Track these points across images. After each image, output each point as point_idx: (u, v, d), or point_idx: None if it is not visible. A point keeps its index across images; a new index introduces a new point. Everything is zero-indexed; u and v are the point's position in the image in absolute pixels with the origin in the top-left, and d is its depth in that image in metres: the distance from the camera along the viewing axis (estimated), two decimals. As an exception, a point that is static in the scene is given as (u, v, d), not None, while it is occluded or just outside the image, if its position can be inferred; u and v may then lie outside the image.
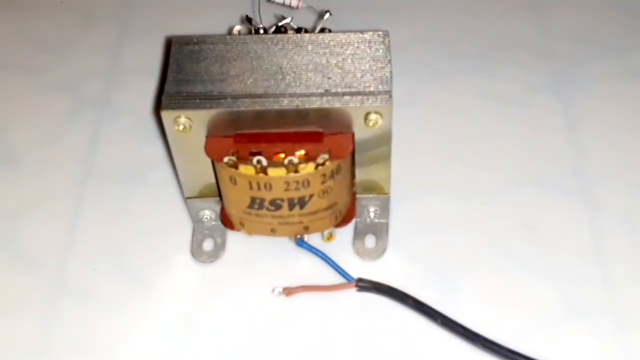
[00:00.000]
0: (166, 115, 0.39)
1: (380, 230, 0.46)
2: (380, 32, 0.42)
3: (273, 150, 0.39)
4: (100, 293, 0.44)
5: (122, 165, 0.50)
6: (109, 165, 0.50)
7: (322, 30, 0.46)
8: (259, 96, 0.40)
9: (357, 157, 0.42)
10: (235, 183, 0.41)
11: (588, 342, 0.42)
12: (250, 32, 0.47)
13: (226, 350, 0.42)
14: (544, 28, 0.57)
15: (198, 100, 0.39)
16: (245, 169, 0.40)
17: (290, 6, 0.52)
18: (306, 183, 0.40)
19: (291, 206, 0.41)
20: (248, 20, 0.48)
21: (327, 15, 0.48)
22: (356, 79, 0.40)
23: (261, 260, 0.45)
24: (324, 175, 0.40)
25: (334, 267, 0.44)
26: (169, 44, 0.42)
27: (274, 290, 0.44)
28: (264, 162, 0.39)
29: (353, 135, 0.40)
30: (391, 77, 0.40)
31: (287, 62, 0.41)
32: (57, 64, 0.56)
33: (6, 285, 0.45)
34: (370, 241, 0.45)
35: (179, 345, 0.42)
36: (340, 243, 0.45)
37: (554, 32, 0.57)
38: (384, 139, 0.41)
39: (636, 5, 0.58)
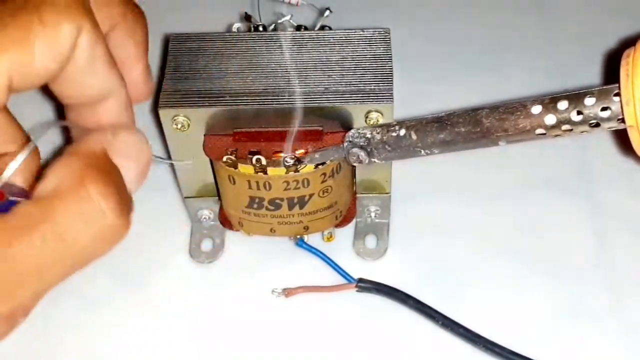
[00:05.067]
0: (164, 113, 0.39)
1: (381, 230, 0.45)
2: (382, 30, 0.42)
3: (272, 149, 0.39)
4: (98, 294, 0.44)
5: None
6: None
7: (323, 27, 0.45)
8: (258, 94, 0.39)
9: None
10: (234, 182, 0.40)
11: (591, 345, 0.41)
12: (249, 30, 0.47)
13: (226, 352, 0.42)
14: (547, 27, 0.57)
15: (196, 99, 0.39)
16: (244, 168, 0.39)
17: (290, 3, 0.52)
18: (306, 182, 0.40)
19: (291, 206, 0.41)
20: (247, 17, 0.48)
21: (327, 13, 0.48)
22: (357, 76, 0.40)
23: (260, 260, 0.45)
24: (324, 174, 0.40)
25: (334, 268, 0.43)
26: (167, 41, 0.42)
27: (273, 291, 0.43)
28: (263, 161, 0.39)
29: (354, 133, 0.40)
30: (392, 75, 0.40)
31: (287, 60, 0.41)
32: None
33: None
34: (371, 241, 0.45)
35: (178, 346, 0.42)
36: (341, 243, 0.45)
37: (558, 31, 0.56)
38: (385, 138, 0.40)
39: (638, 4, 0.58)
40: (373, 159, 0.37)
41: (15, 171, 0.30)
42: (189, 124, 0.39)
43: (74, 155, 0.30)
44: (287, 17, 0.47)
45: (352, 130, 0.37)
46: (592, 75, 0.53)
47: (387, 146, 0.36)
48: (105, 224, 0.29)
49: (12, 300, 0.28)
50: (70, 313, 0.43)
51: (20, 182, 0.33)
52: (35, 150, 0.34)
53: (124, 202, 0.30)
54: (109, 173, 0.30)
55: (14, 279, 0.27)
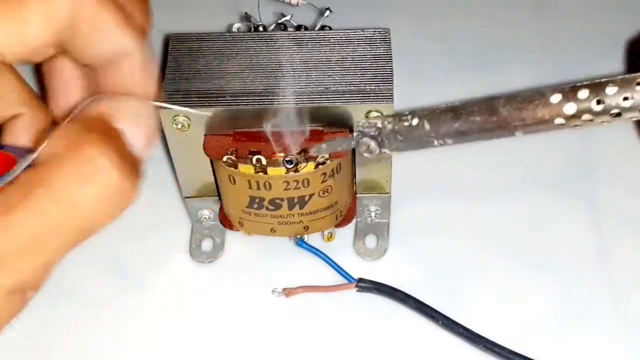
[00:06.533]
0: (164, 113, 0.39)
1: (381, 230, 0.45)
2: (382, 30, 0.42)
3: (272, 149, 0.39)
4: (97, 293, 0.44)
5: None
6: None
7: (323, 27, 0.45)
8: (259, 94, 0.39)
9: (357, 155, 0.41)
10: (234, 182, 0.40)
11: (592, 344, 0.41)
12: (249, 30, 0.47)
13: (226, 352, 0.42)
14: (548, 25, 0.57)
15: (196, 99, 0.39)
16: (245, 168, 0.39)
17: (290, 3, 0.52)
18: (306, 182, 0.40)
19: (291, 206, 0.41)
20: (247, 17, 0.48)
21: (327, 13, 0.48)
22: (357, 76, 0.40)
23: (260, 260, 0.45)
24: (324, 174, 0.40)
25: (334, 268, 0.43)
26: (167, 41, 0.42)
27: (273, 291, 0.43)
28: (264, 161, 0.39)
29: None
30: (392, 75, 0.40)
31: (287, 60, 0.41)
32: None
33: None
34: (371, 241, 0.45)
35: (178, 346, 0.42)
36: (341, 243, 0.45)
37: (556, 31, 0.56)
38: (385, 138, 0.40)
39: (637, 3, 0.58)
40: (384, 150, 0.35)
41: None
42: (189, 124, 0.39)
43: (71, 120, 0.29)
44: (287, 17, 0.47)
45: (363, 120, 0.36)
46: (593, 72, 0.53)
47: (398, 136, 0.34)
48: (108, 184, 0.28)
49: (16, 273, 0.27)
50: (70, 312, 0.43)
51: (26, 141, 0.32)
52: (44, 112, 0.33)
53: (128, 162, 0.29)
54: (108, 134, 0.29)
55: (14, 249, 0.26)
